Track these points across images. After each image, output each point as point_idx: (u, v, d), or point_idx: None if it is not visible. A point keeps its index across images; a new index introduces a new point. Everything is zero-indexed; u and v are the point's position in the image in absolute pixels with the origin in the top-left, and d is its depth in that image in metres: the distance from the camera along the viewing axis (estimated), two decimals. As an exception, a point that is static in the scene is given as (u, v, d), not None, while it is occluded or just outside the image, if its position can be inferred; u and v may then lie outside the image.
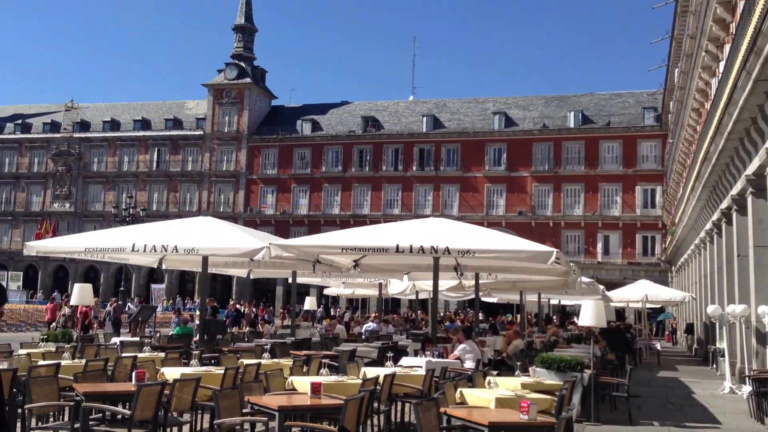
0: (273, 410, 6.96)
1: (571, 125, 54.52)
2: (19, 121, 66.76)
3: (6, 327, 32.53)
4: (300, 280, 18.98)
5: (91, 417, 7.83)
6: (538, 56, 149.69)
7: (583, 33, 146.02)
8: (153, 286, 51.19)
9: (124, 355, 11.20)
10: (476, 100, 60.83)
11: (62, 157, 63.05)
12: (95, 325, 26.85)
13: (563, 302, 33.50)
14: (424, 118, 57.94)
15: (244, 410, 7.35)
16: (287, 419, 7.14)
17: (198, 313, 26.98)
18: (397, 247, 10.98)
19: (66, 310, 18.10)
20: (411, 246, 10.92)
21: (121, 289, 41.89)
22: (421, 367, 10.46)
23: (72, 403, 7.59)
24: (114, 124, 64.27)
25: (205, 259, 13.66)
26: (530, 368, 9.81)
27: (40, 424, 9.12)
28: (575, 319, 27.10)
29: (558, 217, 53.04)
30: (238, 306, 31.13)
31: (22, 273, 58.97)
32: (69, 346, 12.00)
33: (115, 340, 16.19)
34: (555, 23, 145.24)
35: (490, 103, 59.46)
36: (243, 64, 62.25)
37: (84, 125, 64.63)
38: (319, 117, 61.27)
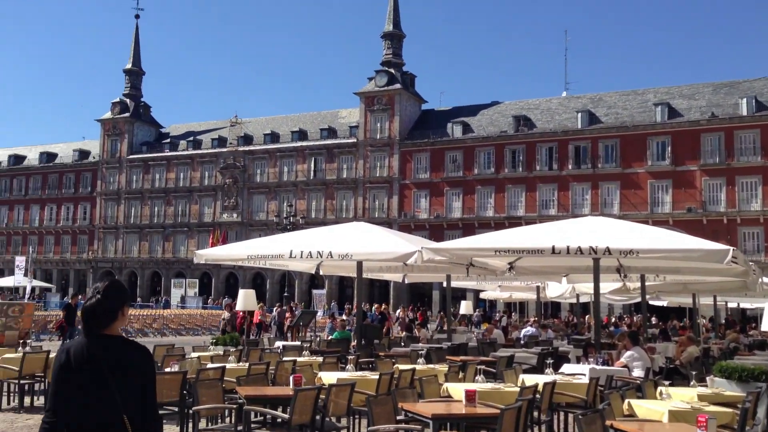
0: (426, 418, 6.78)
1: (744, 113, 50.32)
2: (191, 138, 71.83)
3: (184, 331, 34.98)
4: (455, 283, 18.78)
5: (253, 420, 8.04)
6: (703, 40, 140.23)
7: (751, 12, 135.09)
8: (314, 291, 52.97)
9: (284, 359, 11.51)
10: (635, 91, 57.83)
11: (229, 170, 67.05)
12: (263, 329, 28.15)
13: (743, 305, 30.88)
14: (579, 114, 55.87)
15: (398, 417, 7.23)
16: (441, 428, 6.93)
17: (344, 317, 27.60)
18: (553, 248, 10.46)
19: (226, 315, 19.10)
20: (568, 246, 10.36)
21: (285, 294, 43.73)
22: (584, 375, 9.88)
23: (235, 406, 7.83)
24: (274, 137, 67.44)
25: (359, 264, 13.81)
26: (707, 378, 8.97)
27: (210, 425, 9.56)
28: (758, 324, 24.81)
29: (733, 213, 49.11)
30: (383, 310, 31.45)
31: (197, 280, 63.33)
32: (235, 349, 12.51)
33: (279, 344, 16.79)
34: (719, 3, 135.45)
35: (650, 94, 56.29)
36: (392, 71, 63.12)
37: (247, 139, 68.37)
38: (470, 119, 60.86)
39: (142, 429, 3.32)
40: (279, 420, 7.87)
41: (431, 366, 11.14)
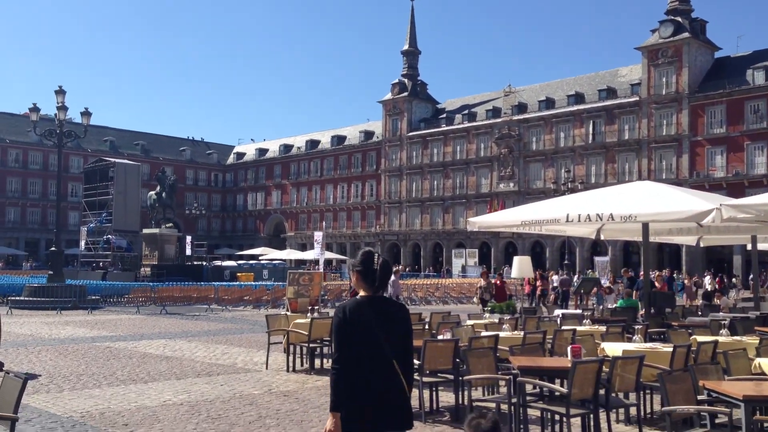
0: (736, 399, 5.64)
1: None
2: (466, 112, 72.84)
3: (465, 299, 35.50)
4: (762, 246, 16.39)
5: (529, 392, 7.48)
6: None
7: None
8: (596, 258, 50.67)
9: (563, 328, 10.76)
10: None
11: (504, 140, 66.79)
12: (548, 297, 27.31)
13: None
14: None
15: (699, 397, 6.16)
16: (755, 412, 5.73)
17: (609, 284, 25.45)
18: None
19: (482, 283, 18.63)
20: None
21: (566, 262, 42.34)
22: None
23: (508, 377, 7.32)
24: (549, 103, 65.64)
25: (645, 226, 12.48)
26: None
27: (486, 394, 9.21)
28: None
29: None
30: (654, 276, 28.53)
31: (477, 250, 64.35)
32: (510, 318, 12.03)
33: (558, 312, 16.00)
34: None
35: None
36: (679, 19, 57.52)
37: (521, 107, 67.43)
38: (775, 62, 53.39)
39: (405, 370, 3.93)
40: (557, 393, 7.20)
41: (737, 338, 9.63)
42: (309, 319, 11.72)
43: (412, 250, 74.68)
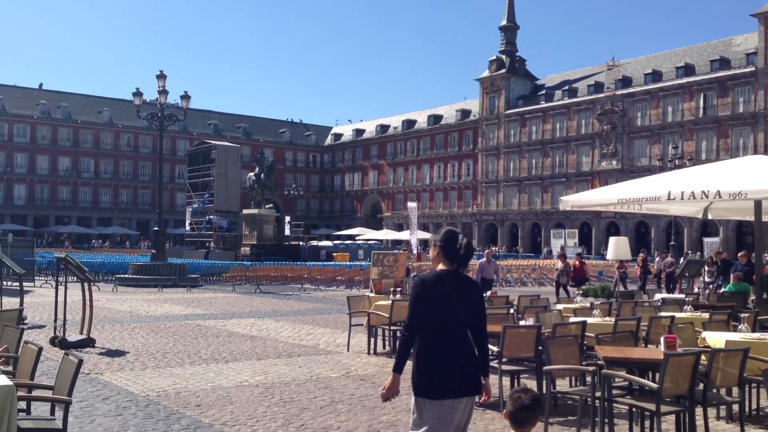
0: None
1: None
2: (566, 87, 70.45)
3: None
4: None
5: (615, 385, 6.88)
6: None
7: None
8: (705, 239, 48.03)
9: (660, 314, 9.97)
10: None
11: (606, 116, 64.20)
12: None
13: None
14: None
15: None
16: None
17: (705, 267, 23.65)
18: None
19: (559, 265, 17.74)
20: None
21: (672, 243, 40.29)
22: None
23: (592, 369, 6.73)
24: (655, 76, 62.51)
25: (757, 204, 11.42)
26: None
27: (575, 384, 8.61)
28: None
29: None
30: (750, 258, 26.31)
31: (576, 231, 62.39)
32: (600, 303, 11.30)
33: (658, 296, 15.04)
34: None
35: None
36: (800, -19, 53.38)
37: (625, 81, 64.55)
38: None
39: (478, 339, 4.19)
40: (647, 388, 6.57)
41: None
42: (390, 301, 11.42)
43: (510, 230, 73.33)
